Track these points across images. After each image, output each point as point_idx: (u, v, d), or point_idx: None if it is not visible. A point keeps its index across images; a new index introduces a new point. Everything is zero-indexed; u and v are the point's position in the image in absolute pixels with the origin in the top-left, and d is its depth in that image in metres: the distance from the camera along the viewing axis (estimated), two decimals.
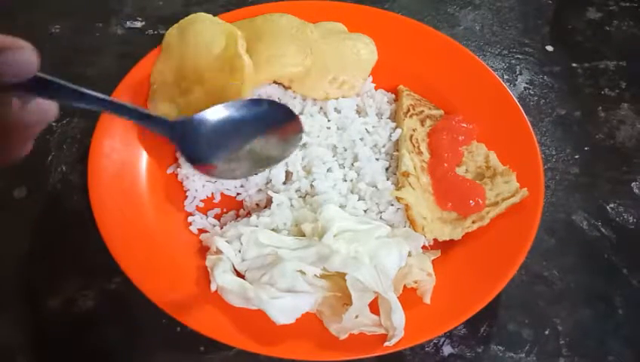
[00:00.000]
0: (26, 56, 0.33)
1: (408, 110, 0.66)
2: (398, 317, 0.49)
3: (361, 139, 0.64)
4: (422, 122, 0.66)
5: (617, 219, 0.66)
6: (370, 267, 0.51)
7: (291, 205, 0.60)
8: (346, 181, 0.61)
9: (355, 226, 0.55)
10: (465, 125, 0.65)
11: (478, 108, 0.66)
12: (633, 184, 0.69)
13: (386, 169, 0.63)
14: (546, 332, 0.57)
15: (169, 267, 0.55)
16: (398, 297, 0.52)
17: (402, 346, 0.50)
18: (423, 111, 0.67)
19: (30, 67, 0.33)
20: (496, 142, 0.63)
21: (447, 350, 0.56)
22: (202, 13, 0.67)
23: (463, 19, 0.86)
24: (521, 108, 0.64)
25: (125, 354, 0.56)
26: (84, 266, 0.60)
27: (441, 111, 0.68)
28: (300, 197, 0.61)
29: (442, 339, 0.56)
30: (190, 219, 0.60)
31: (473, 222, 0.58)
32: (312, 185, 0.61)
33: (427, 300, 0.53)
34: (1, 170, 0.67)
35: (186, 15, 0.68)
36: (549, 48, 0.83)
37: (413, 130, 0.64)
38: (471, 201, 0.58)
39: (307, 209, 0.58)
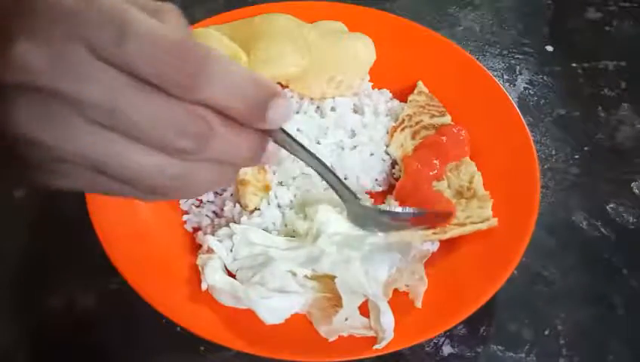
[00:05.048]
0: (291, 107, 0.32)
1: (402, 121, 0.65)
2: (387, 320, 0.49)
3: (353, 131, 0.64)
4: (414, 135, 0.64)
5: (617, 219, 0.65)
6: (360, 270, 0.51)
7: (279, 205, 0.59)
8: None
9: (348, 231, 0.55)
10: (456, 140, 0.62)
11: (474, 109, 0.66)
12: (633, 184, 0.69)
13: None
14: (546, 332, 0.57)
15: (164, 266, 0.55)
16: (389, 300, 0.51)
17: (399, 346, 0.50)
18: (420, 121, 0.64)
19: (289, 118, 0.31)
20: (493, 144, 0.63)
21: (446, 350, 0.56)
22: (211, 31, 0.65)
23: (462, 19, 0.86)
24: (517, 109, 0.64)
25: (125, 354, 0.56)
26: (83, 266, 0.60)
27: (447, 118, 0.66)
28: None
29: (442, 339, 0.56)
30: (185, 217, 0.60)
31: (434, 234, 0.57)
32: (297, 187, 0.60)
33: (419, 304, 0.53)
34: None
35: (186, 15, 0.67)
36: (549, 48, 0.83)
37: (400, 146, 0.63)
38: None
39: (296, 209, 0.58)
